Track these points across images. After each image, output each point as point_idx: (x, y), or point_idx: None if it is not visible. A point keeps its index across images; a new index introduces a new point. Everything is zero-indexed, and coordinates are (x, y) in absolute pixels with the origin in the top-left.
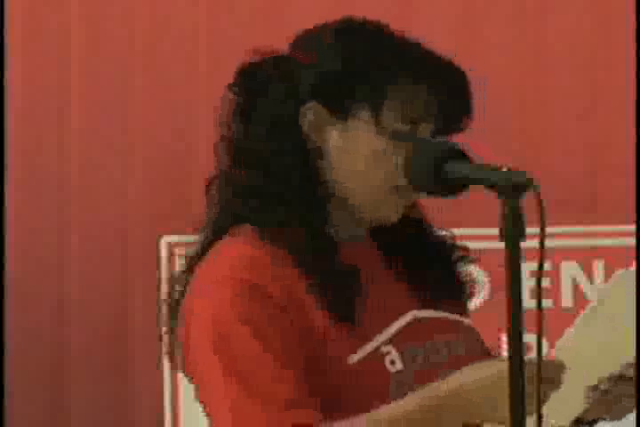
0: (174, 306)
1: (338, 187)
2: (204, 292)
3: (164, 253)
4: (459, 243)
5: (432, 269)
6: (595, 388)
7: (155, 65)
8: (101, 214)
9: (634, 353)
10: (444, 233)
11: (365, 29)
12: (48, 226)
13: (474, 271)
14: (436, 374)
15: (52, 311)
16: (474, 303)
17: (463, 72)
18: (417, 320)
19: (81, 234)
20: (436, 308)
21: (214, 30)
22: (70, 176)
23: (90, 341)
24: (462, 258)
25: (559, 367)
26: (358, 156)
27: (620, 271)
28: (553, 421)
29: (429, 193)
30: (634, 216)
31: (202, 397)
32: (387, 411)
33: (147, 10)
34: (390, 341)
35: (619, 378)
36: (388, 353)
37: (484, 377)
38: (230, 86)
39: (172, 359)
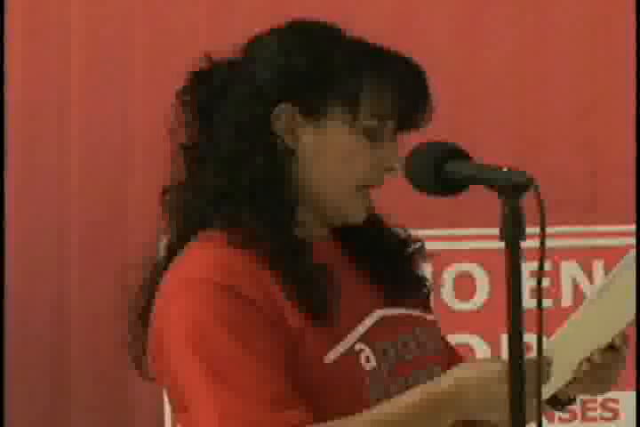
0: (143, 314)
1: (308, 187)
2: (178, 296)
3: (163, 253)
4: (414, 239)
5: (393, 269)
6: (588, 360)
7: (155, 65)
8: (101, 214)
9: (626, 323)
10: (401, 232)
11: (320, 29)
12: (48, 226)
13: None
14: (408, 369)
15: (52, 311)
16: (474, 303)
17: (423, 69)
18: (384, 318)
19: (81, 234)
20: (399, 306)
21: (214, 30)
22: (70, 176)
23: (90, 341)
24: (419, 253)
25: (545, 364)
26: (334, 154)
27: (630, 254)
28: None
29: (429, 193)
30: (634, 216)
31: (182, 400)
32: (384, 410)
33: (147, 9)
34: (361, 339)
35: (606, 348)
36: (361, 351)
37: (482, 377)
38: (183, 92)
39: (139, 367)
